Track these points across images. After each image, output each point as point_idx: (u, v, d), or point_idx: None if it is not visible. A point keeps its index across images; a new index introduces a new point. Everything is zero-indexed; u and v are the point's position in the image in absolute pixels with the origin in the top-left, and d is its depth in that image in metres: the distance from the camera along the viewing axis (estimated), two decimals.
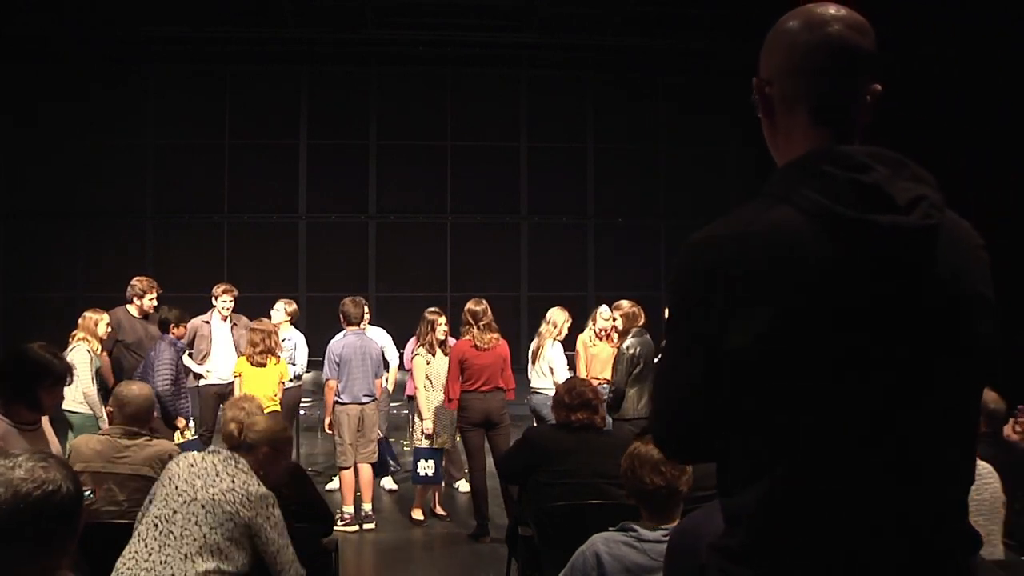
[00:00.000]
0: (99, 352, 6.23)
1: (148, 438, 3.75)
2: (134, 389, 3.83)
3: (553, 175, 12.30)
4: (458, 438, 6.47)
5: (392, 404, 8.26)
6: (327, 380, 6.27)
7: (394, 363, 7.29)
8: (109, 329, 6.37)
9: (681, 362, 1.39)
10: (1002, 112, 8.35)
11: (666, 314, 1.46)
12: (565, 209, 12.38)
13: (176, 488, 2.93)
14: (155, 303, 6.86)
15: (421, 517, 6.35)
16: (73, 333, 6.24)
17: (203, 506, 2.86)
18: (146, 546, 2.83)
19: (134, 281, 6.94)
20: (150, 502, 2.99)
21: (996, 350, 1.39)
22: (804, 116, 1.42)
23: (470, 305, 6.11)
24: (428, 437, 6.19)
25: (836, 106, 1.40)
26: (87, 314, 6.33)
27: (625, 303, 6.28)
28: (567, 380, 4.51)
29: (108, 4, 10.05)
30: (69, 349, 5.97)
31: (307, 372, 7.66)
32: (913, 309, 1.32)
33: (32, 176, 11.38)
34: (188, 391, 6.56)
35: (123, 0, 10.06)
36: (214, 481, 2.93)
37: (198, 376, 7.00)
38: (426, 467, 6.09)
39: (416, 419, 6.45)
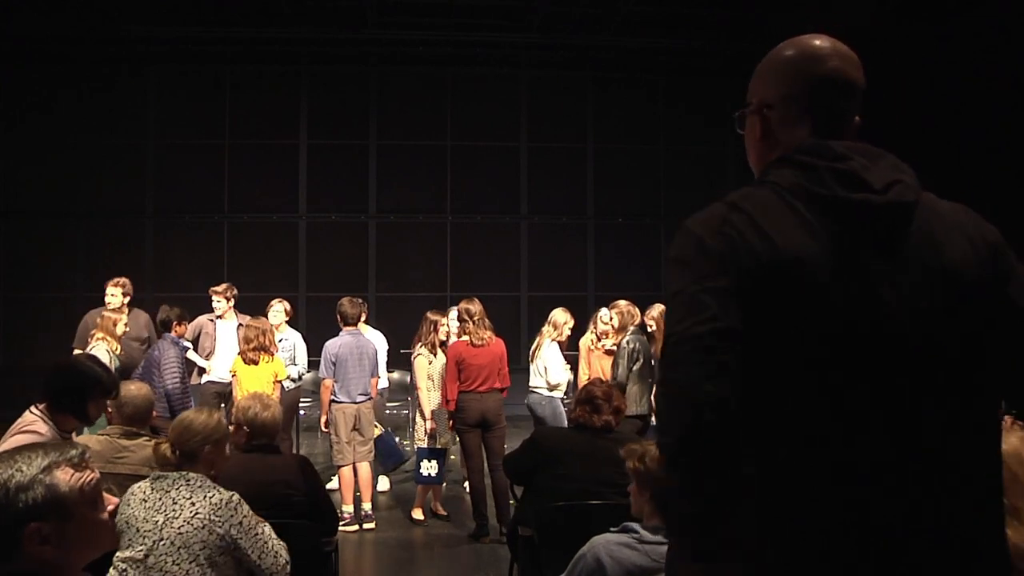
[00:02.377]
0: (118, 351, 6.26)
1: (147, 438, 3.74)
2: (132, 389, 3.82)
3: (553, 175, 12.30)
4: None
5: (392, 404, 8.26)
6: (323, 379, 6.27)
7: (382, 369, 7.23)
8: (127, 328, 6.41)
9: (685, 312, 1.38)
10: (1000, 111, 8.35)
11: (667, 292, 1.47)
12: (565, 209, 12.37)
13: (138, 530, 2.75)
14: (112, 298, 6.81)
15: (421, 517, 6.35)
16: (92, 332, 6.32)
17: (172, 543, 2.72)
18: None
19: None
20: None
21: (1002, 344, 1.39)
22: (805, 133, 1.52)
23: (464, 304, 6.10)
24: (431, 437, 6.19)
25: (833, 128, 1.51)
26: (105, 313, 6.42)
27: (622, 302, 6.40)
28: (589, 381, 4.51)
29: (108, 4, 10.04)
30: (89, 348, 6.07)
31: (307, 372, 7.64)
32: (887, 285, 1.35)
33: (32, 176, 11.38)
34: (190, 389, 6.58)
35: (123, 0, 10.06)
36: (173, 511, 2.77)
37: (202, 372, 7.01)
38: (429, 467, 6.08)
39: (418, 418, 6.45)
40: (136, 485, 2.93)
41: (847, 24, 1.50)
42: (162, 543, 2.73)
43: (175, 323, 6.41)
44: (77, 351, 6.49)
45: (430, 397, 6.28)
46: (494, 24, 11.05)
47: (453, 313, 6.63)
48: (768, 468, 1.36)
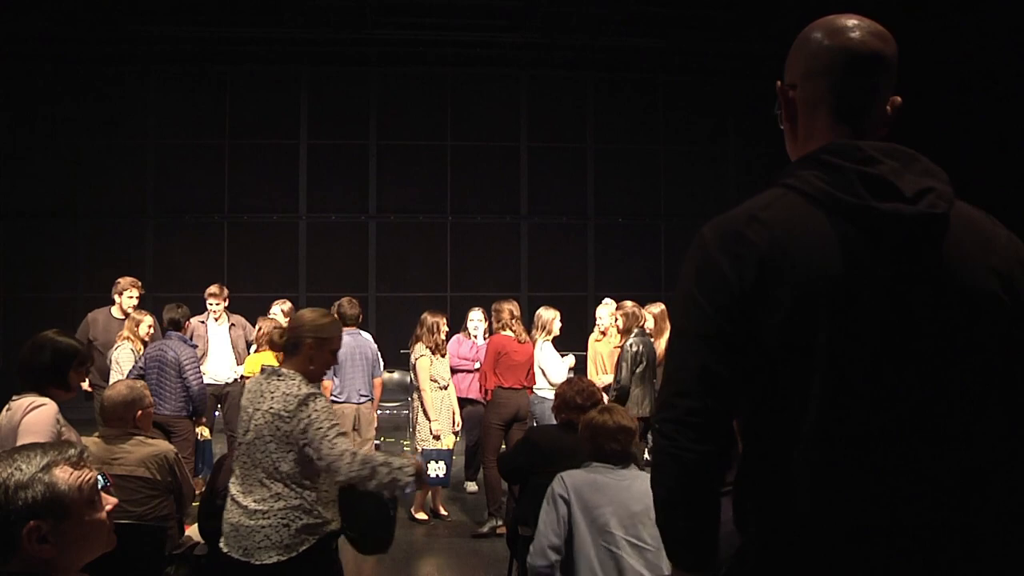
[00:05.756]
0: (142, 352, 6.27)
1: (143, 438, 3.73)
2: (115, 387, 3.83)
3: (553, 175, 12.30)
4: (458, 437, 6.51)
5: (392, 404, 8.24)
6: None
7: (379, 369, 7.22)
8: (151, 331, 6.40)
9: (698, 345, 1.38)
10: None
11: (676, 302, 1.45)
12: (565, 209, 12.37)
13: (243, 418, 3.07)
14: (135, 302, 6.82)
15: (423, 517, 6.36)
16: (120, 333, 6.37)
17: (254, 430, 2.98)
18: (236, 475, 3.04)
19: (117, 279, 6.97)
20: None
21: (1013, 352, 1.37)
22: (825, 116, 1.46)
23: (507, 304, 6.35)
24: (436, 438, 6.19)
25: (855, 106, 1.44)
26: (132, 315, 6.50)
27: (628, 304, 6.44)
28: (567, 380, 4.51)
29: (108, 4, 10.04)
30: (115, 348, 6.18)
31: None
32: (908, 298, 1.33)
33: (32, 176, 11.38)
34: None
35: (123, 0, 10.06)
36: (259, 403, 3.00)
37: None
38: (436, 468, 6.06)
39: (421, 419, 6.45)
40: (252, 377, 3.22)
41: None
42: (249, 432, 3.01)
43: (184, 322, 6.41)
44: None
45: (433, 397, 6.28)
46: (494, 24, 11.05)
47: (474, 313, 6.86)
48: (781, 473, 1.36)
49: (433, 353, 6.38)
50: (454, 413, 6.43)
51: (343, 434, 2.98)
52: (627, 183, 12.35)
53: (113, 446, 3.63)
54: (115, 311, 6.87)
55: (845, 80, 1.44)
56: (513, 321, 6.26)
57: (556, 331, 6.69)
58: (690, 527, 1.41)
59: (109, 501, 1.68)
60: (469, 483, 7.25)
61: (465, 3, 10.44)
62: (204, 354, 7.03)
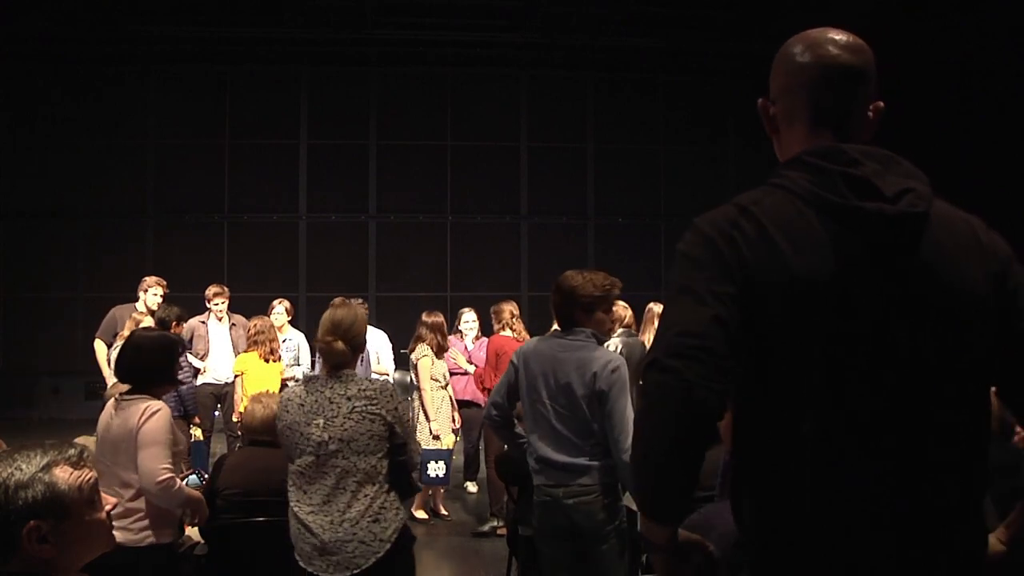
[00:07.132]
0: None
1: None
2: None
3: (553, 175, 12.30)
4: (458, 438, 6.50)
5: None
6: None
7: (390, 367, 7.25)
8: None
9: (708, 298, 1.34)
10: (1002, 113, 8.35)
11: (676, 277, 1.43)
12: (565, 209, 12.37)
13: (302, 435, 2.96)
14: (159, 300, 6.85)
15: (424, 516, 6.36)
16: (120, 332, 6.40)
17: (340, 439, 2.92)
18: (305, 493, 2.97)
19: (144, 277, 7.00)
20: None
21: (997, 350, 1.38)
22: (801, 129, 1.49)
23: (506, 305, 6.38)
24: (436, 438, 6.20)
25: (833, 117, 1.47)
26: (133, 315, 6.53)
27: (619, 303, 6.32)
28: None
29: (108, 4, 10.05)
30: (113, 348, 6.19)
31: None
32: (898, 296, 1.35)
33: (32, 176, 11.38)
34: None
35: (123, 0, 10.06)
36: (331, 410, 2.95)
37: (196, 372, 7.00)
38: (436, 468, 6.06)
39: (422, 419, 6.46)
40: (290, 391, 3.14)
41: (849, 24, 1.50)
42: (330, 443, 2.92)
43: (173, 323, 6.41)
44: (100, 341, 6.73)
45: (434, 397, 6.29)
46: (494, 24, 11.05)
47: (468, 315, 6.93)
48: (781, 473, 1.36)
49: (435, 353, 6.40)
50: (453, 410, 6.43)
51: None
52: (627, 183, 12.34)
53: None
54: (139, 307, 6.89)
55: (821, 95, 1.47)
56: (514, 320, 6.29)
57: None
58: (686, 480, 1.34)
59: (109, 501, 1.68)
60: (469, 483, 7.25)
61: (465, 3, 10.45)
62: (205, 354, 7.05)
